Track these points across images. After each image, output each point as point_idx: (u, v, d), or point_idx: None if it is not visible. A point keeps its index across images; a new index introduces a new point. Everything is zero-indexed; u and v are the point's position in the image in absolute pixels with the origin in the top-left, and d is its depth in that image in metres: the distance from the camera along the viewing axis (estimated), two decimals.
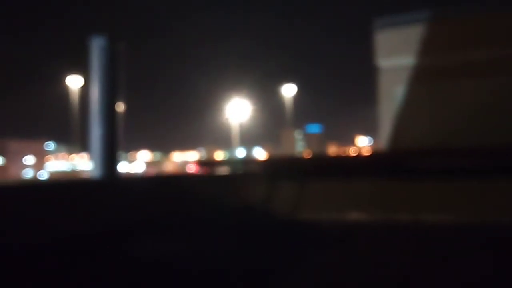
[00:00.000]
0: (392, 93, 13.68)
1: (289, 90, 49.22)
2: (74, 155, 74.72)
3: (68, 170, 72.25)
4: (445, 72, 12.64)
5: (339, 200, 8.01)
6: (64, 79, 46.19)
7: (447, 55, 12.59)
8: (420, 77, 13.05)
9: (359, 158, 11.66)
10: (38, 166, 73.75)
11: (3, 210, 5.29)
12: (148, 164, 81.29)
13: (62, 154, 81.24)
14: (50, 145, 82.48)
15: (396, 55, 13.53)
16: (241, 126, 48.06)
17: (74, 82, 45.49)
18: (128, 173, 44.07)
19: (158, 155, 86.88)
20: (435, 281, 4.07)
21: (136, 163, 79.01)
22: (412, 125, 13.02)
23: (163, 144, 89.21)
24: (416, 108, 13.07)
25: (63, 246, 5.52)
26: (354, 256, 5.19)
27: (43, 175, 68.49)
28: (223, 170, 10.63)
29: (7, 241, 5.12)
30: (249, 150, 72.03)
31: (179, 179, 10.30)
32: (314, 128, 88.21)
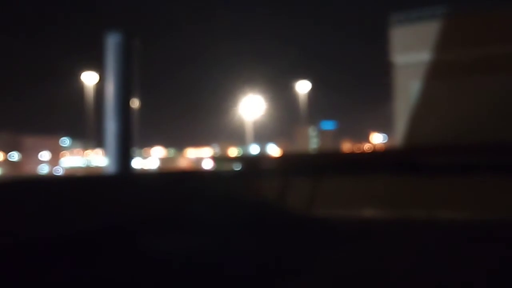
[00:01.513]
0: (407, 89, 13.56)
1: (303, 87, 49.03)
2: (89, 151, 75.24)
3: (83, 165, 72.82)
4: (461, 68, 12.49)
5: (353, 197, 7.96)
6: (80, 75, 46.49)
7: (463, 51, 12.44)
8: (436, 73, 12.90)
9: (373, 155, 11.58)
10: (54, 161, 74.38)
11: (16, 204, 5.33)
12: (162, 160, 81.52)
13: (77, 150, 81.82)
14: (65, 141, 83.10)
15: (411, 51, 13.39)
16: (255, 122, 48.08)
17: (89, 78, 45.76)
18: (142, 169, 44.28)
19: (172, 151, 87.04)
20: (449, 277, 4.05)
21: (150, 159, 79.28)
22: (428, 121, 12.89)
23: (177, 141, 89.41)
24: (432, 104, 12.93)
25: (76, 239, 5.54)
26: (368, 252, 5.17)
27: (58, 171, 69.10)
28: (237, 166, 10.61)
29: (21, 234, 5.16)
30: (263, 146, 71.84)
31: (193, 175, 10.31)
32: (328, 125, 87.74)
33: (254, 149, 55.77)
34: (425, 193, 7.49)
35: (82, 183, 7.15)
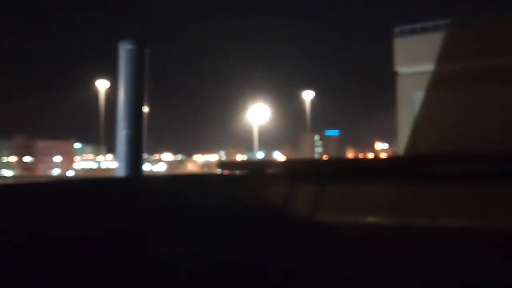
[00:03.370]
0: (410, 99, 13.69)
1: (308, 95, 48.96)
2: (100, 156, 75.69)
3: (94, 168, 73.19)
4: (464, 78, 12.59)
5: (356, 204, 7.96)
6: (93, 82, 46.95)
7: (466, 61, 12.55)
8: (439, 83, 13.03)
9: (377, 162, 11.60)
10: (65, 165, 74.89)
11: (25, 206, 5.45)
12: (171, 163, 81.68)
13: (89, 154, 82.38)
14: (77, 146, 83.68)
15: (415, 62, 13.55)
16: (261, 129, 48.05)
17: (102, 85, 46.21)
18: (150, 173, 44.38)
19: (180, 157, 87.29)
20: (451, 284, 4.15)
21: (159, 165, 79.55)
22: (430, 130, 13.00)
23: (185, 147, 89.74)
24: (435, 114, 13.04)
25: (85, 242, 5.59)
26: (371, 259, 5.23)
27: (70, 173, 69.46)
28: (243, 172, 10.54)
29: (28, 236, 5.24)
30: (268, 153, 71.92)
31: (201, 179, 10.34)
32: (333, 133, 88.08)
33: (260, 156, 55.72)
34: (428, 201, 7.46)
35: (92, 185, 7.13)
